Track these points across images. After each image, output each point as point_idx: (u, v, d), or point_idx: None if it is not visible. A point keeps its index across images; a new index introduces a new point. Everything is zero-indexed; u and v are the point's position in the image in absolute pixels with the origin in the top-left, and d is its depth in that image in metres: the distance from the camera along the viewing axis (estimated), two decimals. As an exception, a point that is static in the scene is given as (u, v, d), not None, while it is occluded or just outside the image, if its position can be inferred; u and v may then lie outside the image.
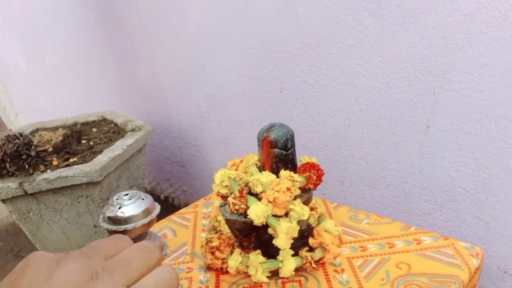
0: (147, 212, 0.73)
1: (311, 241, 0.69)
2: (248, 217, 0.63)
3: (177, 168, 1.80)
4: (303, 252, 0.66)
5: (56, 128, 1.58)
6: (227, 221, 0.67)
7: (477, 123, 0.93)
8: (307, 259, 0.65)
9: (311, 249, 0.69)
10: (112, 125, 1.56)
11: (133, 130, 1.46)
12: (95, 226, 1.35)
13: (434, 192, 1.05)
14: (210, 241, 0.71)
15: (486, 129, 0.92)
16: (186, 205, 0.96)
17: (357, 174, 1.19)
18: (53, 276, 0.23)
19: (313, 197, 0.74)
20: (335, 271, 0.68)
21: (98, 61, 1.96)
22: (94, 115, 1.65)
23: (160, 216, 0.79)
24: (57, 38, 2.18)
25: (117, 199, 0.73)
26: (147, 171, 1.91)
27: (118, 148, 1.32)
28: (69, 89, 2.28)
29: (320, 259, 0.68)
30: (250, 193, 0.66)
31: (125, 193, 0.74)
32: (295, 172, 0.68)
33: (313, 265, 0.65)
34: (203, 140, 1.61)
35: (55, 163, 1.32)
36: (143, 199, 0.74)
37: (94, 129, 1.55)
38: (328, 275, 0.67)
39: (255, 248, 0.70)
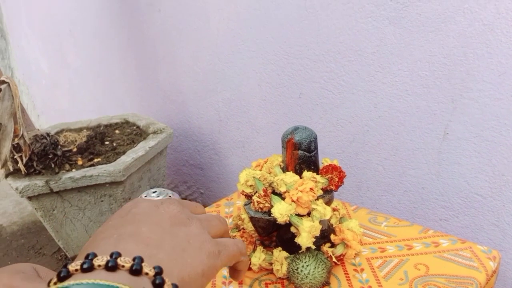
0: (174, 209, 0.76)
1: (333, 237, 0.71)
2: (272, 215, 0.66)
3: (195, 171, 1.83)
4: (325, 247, 0.69)
5: (80, 129, 1.62)
6: (252, 219, 0.69)
7: (495, 130, 0.95)
8: (328, 254, 0.67)
9: (333, 246, 0.71)
10: (135, 127, 1.60)
11: (155, 132, 1.50)
12: (116, 225, 1.39)
13: (451, 198, 1.07)
14: (234, 239, 0.74)
15: (503, 136, 0.94)
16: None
17: (374, 179, 1.20)
18: (161, 209, 0.30)
19: (334, 199, 0.76)
20: (355, 270, 0.70)
21: (120, 64, 2.01)
22: (117, 117, 1.69)
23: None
24: (79, 41, 2.24)
25: (145, 196, 0.76)
26: (166, 173, 1.95)
27: (140, 149, 1.36)
28: (90, 91, 2.33)
29: (341, 255, 0.71)
30: (274, 192, 0.69)
31: (153, 190, 0.78)
32: (317, 174, 0.70)
33: (334, 259, 0.67)
34: (221, 143, 1.65)
35: (80, 162, 1.36)
36: (170, 196, 0.77)
37: (117, 131, 1.59)
38: (348, 274, 0.70)
39: (276, 247, 0.73)
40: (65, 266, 0.24)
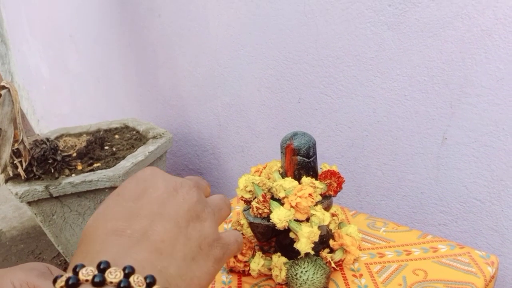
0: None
1: (331, 242, 0.71)
2: (271, 221, 0.66)
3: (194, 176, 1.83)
4: (324, 253, 0.69)
5: (79, 134, 1.63)
6: (251, 224, 0.69)
7: (493, 136, 0.95)
8: (327, 259, 0.68)
9: (332, 251, 0.71)
10: (134, 132, 1.61)
11: (154, 137, 1.50)
12: (115, 230, 1.39)
13: (450, 203, 1.07)
14: (233, 244, 0.74)
15: (502, 142, 0.94)
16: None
17: (373, 184, 1.21)
18: (180, 196, 0.30)
19: (333, 204, 0.76)
20: (354, 275, 0.70)
21: (120, 69, 2.01)
22: (117, 122, 1.69)
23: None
24: (80, 46, 2.25)
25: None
26: (165, 178, 1.95)
27: (140, 154, 1.36)
28: (90, 96, 2.34)
29: (340, 260, 0.71)
30: (273, 198, 0.69)
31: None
32: (316, 179, 0.71)
33: (333, 265, 0.67)
34: (221, 148, 1.65)
35: (79, 167, 1.37)
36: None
37: (117, 136, 1.59)
38: (346, 279, 0.70)
39: (275, 252, 0.73)
40: (75, 270, 0.24)
